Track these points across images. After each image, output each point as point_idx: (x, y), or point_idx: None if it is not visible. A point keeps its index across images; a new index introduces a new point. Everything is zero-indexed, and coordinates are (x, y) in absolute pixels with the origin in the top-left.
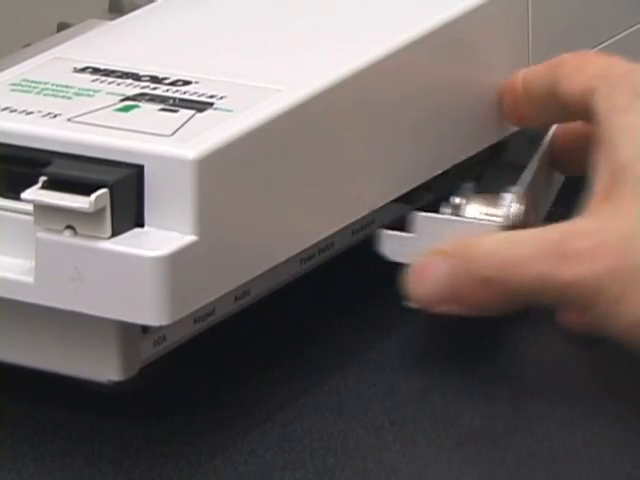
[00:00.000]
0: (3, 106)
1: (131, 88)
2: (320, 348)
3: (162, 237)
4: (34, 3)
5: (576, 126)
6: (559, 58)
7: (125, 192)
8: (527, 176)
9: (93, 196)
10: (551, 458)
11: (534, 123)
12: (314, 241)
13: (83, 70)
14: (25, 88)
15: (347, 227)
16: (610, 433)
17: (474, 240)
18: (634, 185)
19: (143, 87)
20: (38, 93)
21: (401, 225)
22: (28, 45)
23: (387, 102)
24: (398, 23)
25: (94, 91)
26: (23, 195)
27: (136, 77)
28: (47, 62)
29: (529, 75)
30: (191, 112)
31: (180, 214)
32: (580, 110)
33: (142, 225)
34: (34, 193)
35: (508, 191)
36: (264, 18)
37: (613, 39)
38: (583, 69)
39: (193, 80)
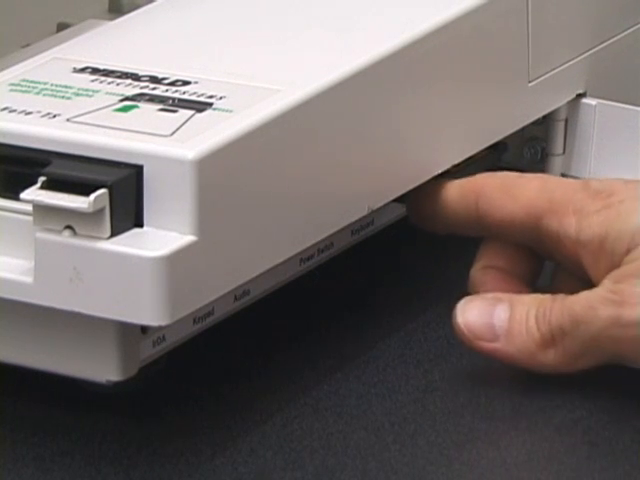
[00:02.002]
0: (2, 106)
1: (130, 88)
2: (320, 348)
3: (161, 237)
4: (34, 3)
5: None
6: (475, 181)
7: (124, 192)
8: None
9: (92, 196)
10: (551, 458)
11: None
12: (314, 241)
13: (82, 70)
14: (24, 88)
15: (347, 227)
16: (610, 433)
17: None
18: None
19: (142, 87)
20: (37, 93)
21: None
22: (28, 45)
23: (386, 102)
24: (398, 23)
25: (93, 91)
26: (22, 195)
27: (135, 77)
28: (46, 62)
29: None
30: (190, 112)
31: (179, 214)
32: (523, 227)
33: (141, 225)
34: (33, 193)
35: None
36: (264, 18)
37: (613, 39)
38: (512, 194)
39: (192, 80)
